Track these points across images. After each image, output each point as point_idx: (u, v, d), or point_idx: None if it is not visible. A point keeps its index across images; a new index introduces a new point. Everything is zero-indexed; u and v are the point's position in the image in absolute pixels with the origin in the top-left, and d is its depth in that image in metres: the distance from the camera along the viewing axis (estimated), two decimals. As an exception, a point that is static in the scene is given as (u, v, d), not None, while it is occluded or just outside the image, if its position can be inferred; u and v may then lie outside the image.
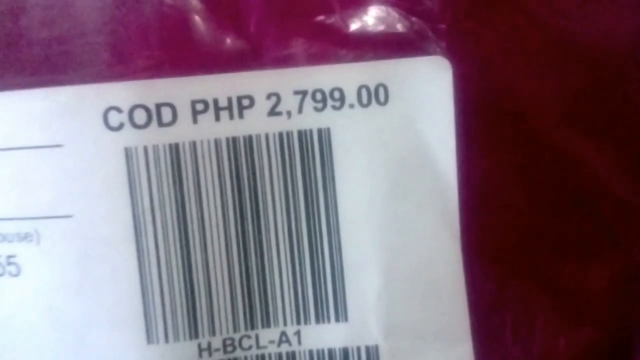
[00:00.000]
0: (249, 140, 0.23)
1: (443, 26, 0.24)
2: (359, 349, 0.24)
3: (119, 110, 0.23)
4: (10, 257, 0.24)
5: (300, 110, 0.23)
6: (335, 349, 0.24)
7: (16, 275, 0.24)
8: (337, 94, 0.23)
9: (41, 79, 0.23)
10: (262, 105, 0.23)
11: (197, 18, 0.23)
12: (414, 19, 0.24)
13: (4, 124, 0.23)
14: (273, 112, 0.23)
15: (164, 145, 0.23)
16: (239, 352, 0.24)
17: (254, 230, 0.24)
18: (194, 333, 0.24)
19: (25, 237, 0.23)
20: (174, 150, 0.23)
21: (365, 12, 0.24)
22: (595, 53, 0.24)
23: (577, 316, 0.26)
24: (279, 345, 0.24)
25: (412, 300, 0.24)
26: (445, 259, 0.24)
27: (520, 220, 0.25)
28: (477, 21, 0.24)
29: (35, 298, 0.23)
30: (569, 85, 0.24)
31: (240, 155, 0.23)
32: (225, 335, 0.24)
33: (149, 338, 0.24)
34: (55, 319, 0.24)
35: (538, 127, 0.25)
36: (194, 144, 0.23)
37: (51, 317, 0.24)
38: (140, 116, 0.23)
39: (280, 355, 0.24)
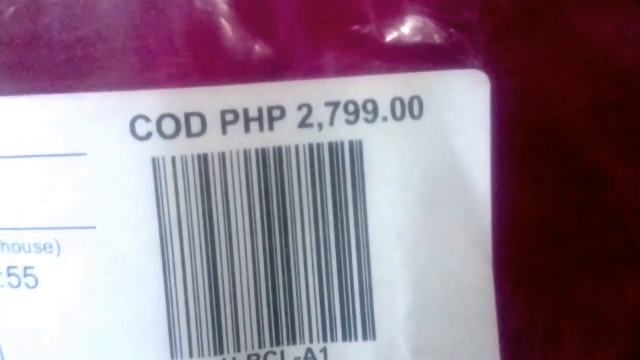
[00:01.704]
0: (278, 151, 0.23)
1: (481, 38, 0.23)
2: (386, 368, 0.23)
3: (146, 119, 0.22)
4: (27, 268, 0.23)
5: (331, 122, 0.23)
6: (361, 368, 0.23)
7: (34, 287, 0.23)
8: (370, 106, 0.22)
9: (64, 84, 0.22)
10: (293, 116, 0.23)
11: (226, 25, 0.22)
12: (451, 30, 0.23)
13: (24, 130, 0.22)
14: (304, 124, 0.23)
15: (192, 156, 0.22)
16: (263, 369, 0.23)
17: (281, 244, 0.23)
18: (218, 348, 0.23)
19: (44, 248, 0.23)
20: (203, 161, 0.22)
21: (401, 22, 0.23)
22: (631, 72, 0.24)
23: (606, 336, 0.25)
24: (304, 362, 0.23)
25: (441, 320, 0.24)
26: (475, 277, 0.24)
27: (552, 239, 0.24)
28: (516, 35, 0.23)
29: (54, 311, 0.23)
30: (605, 103, 0.24)
31: (269, 167, 0.23)
32: (250, 351, 0.23)
33: (173, 353, 0.23)
34: (75, 333, 0.23)
35: (574, 144, 0.24)
36: (222, 155, 0.22)
37: (70, 331, 0.23)
38: (168, 126, 0.22)
39: (305, 373, 0.24)
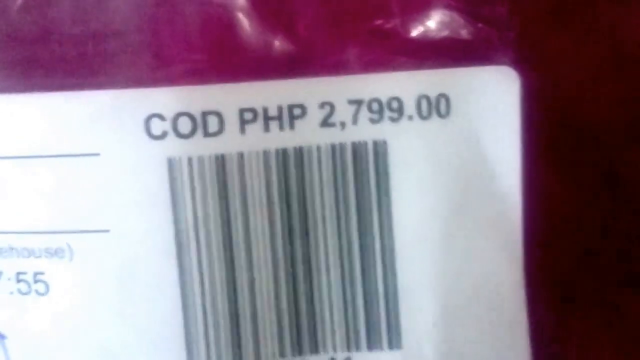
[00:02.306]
0: (299, 152, 0.22)
1: (511, 34, 0.22)
2: (412, 379, 0.23)
3: (162, 117, 0.21)
4: (37, 274, 0.22)
5: (354, 121, 0.22)
6: (387, 379, 0.23)
7: (44, 294, 0.22)
8: (394, 104, 0.22)
9: (75, 81, 0.21)
10: (314, 115, 0.22)
11: (244, 19, 0.22)
12: (480, 25, 0.22)
13: (34, 130, 0.21)
14: (326, 123, 0.22)
15: (210, 156, 0.21)
16: (284, 380, 0.22)
17: (302, 249, 0.22)
18: (237, 359, 0.22)
19: (55, 253, 0.22)
20: (220, 161, 0.22)
21: (427, 16, 0.22)
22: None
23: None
24: (327, 373, 0.23)
25: (470, 328, 0.23)
26: (505, 284, 0.23)
27: (586, 244, 0.23)
28: (547, 30, 0.23)
29: (65, 319, 0.22)
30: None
31: (290, 168, 0.22)
32: (270, 361, 0.22)
33: (190, 364, 0.22)
34: (86, 343, 0.22)
35: (608, 144, 0.23)
36: (241, 156, 0.21)
37: (81, 340, 0.22)
38: (184, 125, 0.21)
39: (328, 384, 0.23)
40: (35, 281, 0.22)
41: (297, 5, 0.22)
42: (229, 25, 0.22)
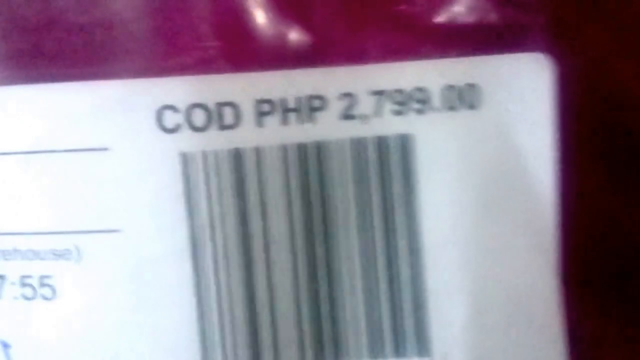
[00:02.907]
0: (319, 146, 0.21)
1: (543, 18, 0.21)
2: (442, 388, 0.22)
3: (174, 109, 0.20)
4: (44, 277, 0.21)
5: (377, 114, 0.21)
6: (415, 389, 0.22)
7: (50, 298, 0.21)
8: (419, 95, 0.21)
9: (82, 71, 0.20)
10: (335, 107, 0.21)
11: (259, 5, 0.21)
12: (509, 9, 0.21)
13: (40, 122, 0.21)
14: (347, 115, 0.21)
15: (226, 151, 0.21)
16: (305, 389, 0.22)
17: (324, 250, 0.21)
18: (256, 367, 0.21)
19: (62, 255, 0.21)
20: (237, 156, 0.21)
21: (452, 0, 0.21)
22: None
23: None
24: (351, 382, 0.22)
25: (502, 333, 0.22)
26: (539, 286, 0.22)
27: (625, 244, 0.22)
28: (583, 14, 0.21)
29: (74, 325, 0.21)
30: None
31: (310, 164, 0.21)
32: (290, 369, 0.21)
33: (206, 372, 0.21)
34: (97, 349, 0.21)
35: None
36: (258, 150, 0.21)
37: (92, 346, 0.21)
38: (198, 117, 0.20)
39: (352, 395, 0.22)
40: (41, 285, 0.21)
41: (315, -10, 0.21)
42: (244, 11, 0.21)
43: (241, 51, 0.21)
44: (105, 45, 0.21)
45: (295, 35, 0.21)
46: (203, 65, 0.21)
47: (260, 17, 0.21)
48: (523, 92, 0.21)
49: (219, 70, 0.21)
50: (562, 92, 0.21)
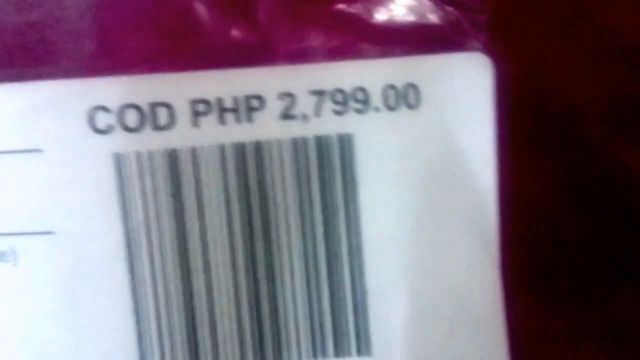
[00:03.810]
0: (258, 147, 0.21)
1: (483, 17, 0.21)
2: (383, 387, 0.21)
3: (107, 110, 0.20)
4: (-19, 279, 0.21)
5: (317, 113, 0.21)
6: (356, 388, 0.21)
7: None
8: (360, 95, 0.20)
9: (15, 72, 0.20)
10: (274, 106, 0.21)
11: (199, 4, 0.21)
12: (449, 8, 0.21)
13: None
14: (286, 115, 0.21)
15: (160, 151, 0.20)
16: (245, 390, 0.21)
17: (264, 251, 0.21)
18: (195, 368, 0.21)
19: (0, 257, 0.21)
20: (172, 156, 0.21)
21: (393, 0, 0.21)
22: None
23: (630, 346, 0.23)
24: (292, 383, 0.21)
25: (444, 332, 0.22)
26: (481, 284, 0.22)
27: (566, 240, 0.22)
28: (522, 12, 0.22)
29: (12, 328, 0.21)
30: (625, 90, 0.22)
31: (248, 164, 0.21)
32: (230, 370, 0.21)
33: (143, 372, 0.21)
34: (36, 352, 0.21)
35: (590, 135, 0.22)
36: (194, 151, 0.20)
37: (30, 349, 0.21)
38: (131, 117, 0.20)
39: (293, 395, 0.22)
40: (-22, 287, 0.21)
41: (257, -11, 0.21)
42: (183, 10, 0.21)
43: (180, 51, 0.21)
44: (39, 46, 0.20)
45: (237, 35, 0.21)
46: (139, 65, 0.21)
47: (201, 15, 0.21)
48: (463, 92, 0.21)
49: (156, 70, 0.20)
50: (502, 91, 0.21)
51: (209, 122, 0.20)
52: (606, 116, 0.22)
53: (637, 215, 0.22)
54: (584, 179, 0.22)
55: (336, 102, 0.21)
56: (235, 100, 0.21)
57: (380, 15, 0.21)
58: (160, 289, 0.21)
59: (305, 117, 0.21)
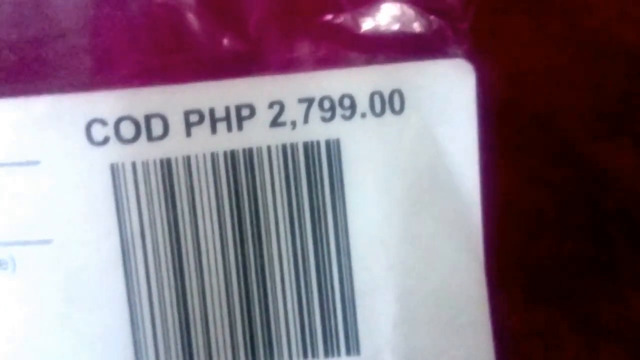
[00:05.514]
0: (249, 153, 0.21)
1: (465, 25, 0.22)
2: (372, 385, 0.22)
3: (103, 122, 0.20)
4: (-20, 287, 0.21)
5: (306, 120, 0.21)
6: (346, 386, 0.22)
7: None
8: (347, 102, 0.21)
9: (14, 87, 0.21)
10: (264, 115, 0.21)
11: (190, 18, 0.21)
12: (432, 17, 0.22)
13: None
14: (276, 123, 0.21)
15: (155, 161, 0.21)
16: (239, 390, 0.22)
17: (255, 254, 0.22)
18: (189, 370, 0.21)
19: None
20: (166, 166, 0.21)
21: (377, 10, 0.22)
22: (633, 55, 0.22)
23: (614, 343, 0.23)
24: (283, 381, 0.22)
25: (431, 330, 0.22)
26: (467, 283, 0.22)
27: (549, 241, 0.23)
28: (503, 20, 0.22)
29: (11, 334, 0.21)
30: (605, 93, 0.22)
31: (240, 170, 0.21)
32: (224, 371, 0.21)
33: (139, 377, 0.21)
34: (33, 357, 0.21)
35: (571, 139, 0.22)
36: (187, 159, 0.21)
37: (27, 354, 0.21)
38: (127, 129, 0.21)
39: (284, 393, 0.22)
40: (-22, 294, 0.21)
41: (247, 2, 0.21)
42: (175, 23, 0.21)
43: (173, 63, 0.21)
44: (37, 62, 0.21)
45: (227, 46, 0.21)
46: (134, 78, 0.21)
47: (192, 28, 0.21)
48: (446, 97, 0.22)
49: (150, 83, 0.21)
50: (484, 95, 0.22)
51: (202, 131, 0.21)
52: (586, 118, 0.22)
53: (618, 213, 0.23)
54: (565, 182, 0.23)
55: (324, 109, 0.21)
56: (227, 109, 0.21)
57: (366, 25, 0.22)
58: (154, 294, 0.21)
59: (294, 124, 0.21)
